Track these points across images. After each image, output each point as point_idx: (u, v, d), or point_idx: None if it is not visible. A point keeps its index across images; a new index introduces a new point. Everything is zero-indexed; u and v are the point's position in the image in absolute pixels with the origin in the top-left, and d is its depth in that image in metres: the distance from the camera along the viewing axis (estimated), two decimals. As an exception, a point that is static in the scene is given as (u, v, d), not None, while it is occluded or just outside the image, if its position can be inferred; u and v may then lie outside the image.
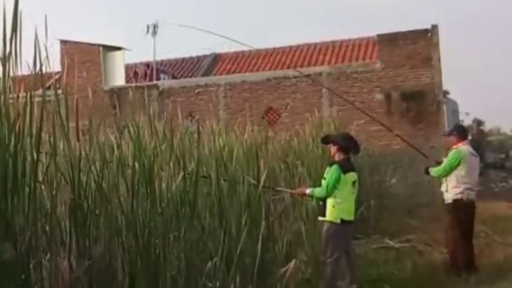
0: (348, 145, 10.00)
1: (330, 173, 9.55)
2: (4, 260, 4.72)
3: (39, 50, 5.16)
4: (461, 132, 11.53)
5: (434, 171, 11.26)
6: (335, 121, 16.03)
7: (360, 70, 23.88)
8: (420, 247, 13.13)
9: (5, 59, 4.91)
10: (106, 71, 27.59)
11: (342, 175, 9.49)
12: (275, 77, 25.33)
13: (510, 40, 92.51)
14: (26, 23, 4.98)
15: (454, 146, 11.17)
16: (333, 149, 9.90)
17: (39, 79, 5.20)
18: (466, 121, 45.48)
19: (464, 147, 11.13)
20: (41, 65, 5.18)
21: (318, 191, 9.70)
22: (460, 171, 10.90)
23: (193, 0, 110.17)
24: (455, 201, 10.86)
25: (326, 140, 10.41)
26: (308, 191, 9.97)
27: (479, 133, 50.11)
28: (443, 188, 11.06)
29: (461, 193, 10.83)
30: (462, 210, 10.86)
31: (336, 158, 9.75)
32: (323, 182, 9.68)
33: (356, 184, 9.84)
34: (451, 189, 10.90)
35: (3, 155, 4.81)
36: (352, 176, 9.72)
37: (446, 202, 11.02)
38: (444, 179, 11.05)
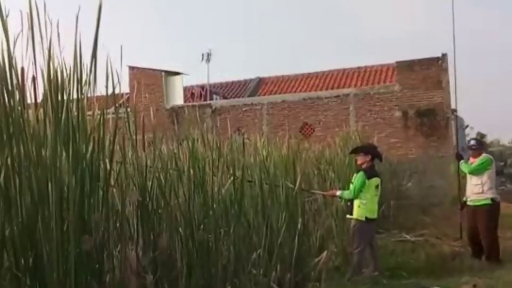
0: (378, 153, 10.18)
1: (357, 178, 9.54)
2: (85, 251, 4.71)
3: (112, 74, 5.14)
4: (482, 144, 11.65)
5: (465, 166, 11.02)
6: (360, 134, 15.93)
7: (382, 91, 23.68)
8: (432, 240, 13.03)
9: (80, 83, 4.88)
10: (167, 93, 27.60)
11: (367, 180, 9.48)
12: (310, 97, 25.17)
13: (507, 67, 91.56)
14: (101, 51, 4.96)
15: (484, 155, 11.09)
16: (364, 157, 9.83)
17: (111, 99, 5.17)
18: (471, 135, 44.89)
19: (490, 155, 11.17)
20: (113, 87, 5.16)
21: (347, 193, 9.69)
22: (491, 175, 10.82)
23: (240, 30, 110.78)
24: (494, 201, 10.72)
25: (358, 150, 10.30)
26: (338, 193, 9.98)
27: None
28: (475, 190, 10.77)
29: (496, 193, 10.87)
30: (497, 209, 10.82)
31: (365, 165, 9.70)
32: (351, 185, 9.69)
33: (379, 187, 9.82)
34: (487, 191, 10.69)
35: (82, 163, 4.79)
36: (376, 180, 9.69)
37: (485, 202, 10.71)
38: (479, 182, 10.74)
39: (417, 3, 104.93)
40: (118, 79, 5.25)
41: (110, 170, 5.15)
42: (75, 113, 4.80)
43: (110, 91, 5.18)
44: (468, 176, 10.91)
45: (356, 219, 9.53)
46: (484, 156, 10.99)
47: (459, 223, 11.70)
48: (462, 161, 11.27)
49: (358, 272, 9.39)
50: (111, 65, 5.14)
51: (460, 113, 33.76)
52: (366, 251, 9.56)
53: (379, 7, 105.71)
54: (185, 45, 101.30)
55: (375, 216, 9.73)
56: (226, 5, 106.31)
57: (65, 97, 4.72)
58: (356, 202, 9.52)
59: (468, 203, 10.93)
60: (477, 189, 10.73)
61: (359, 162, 9.92)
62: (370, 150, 10.08)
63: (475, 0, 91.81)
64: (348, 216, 9.82)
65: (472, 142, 11.38)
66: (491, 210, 10.73)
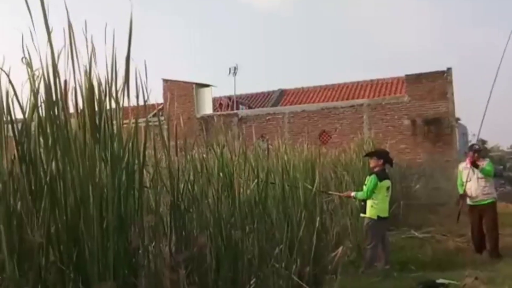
0: (389, 158, 10.10)
1: (370, 180, 9.52)
2: (123, 247, 4.66)
3: (145, 87, 5.07)
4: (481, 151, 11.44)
5: (487, 169, 10.74)
6: (373, 141, 15.89)
7: (392, 102, 23.52)
8: (438, 237, 13.06)
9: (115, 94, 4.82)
10: (198, 103, 27.57)
11: (378, 182, 9.48)
12: (327, 107, 25.05)
13: (506, 79, 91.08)
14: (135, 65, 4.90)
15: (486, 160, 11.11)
16: (376, 161, 9.79)
17: (144, 109, 5.12)
18: (473, 141, 44.67)
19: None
20: (144, 98, 5.10)
21: (360, 194, 9.69)
22: (493, 178, 11.03)
23: (262, 46, 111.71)
24: (496, 200, 10.96)
25: (372, 154, 10.25)
26: (352, 194, 9.96)
27: (483, 150, 49.22)
28: (484, 191, 10.77)
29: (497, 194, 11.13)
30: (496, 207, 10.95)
31: (377, 169, 9.68)
32: (364, 187, 9.68)
33: (390, 189, 9.80)
34: (493, 191, 10.92)
35: (119, 166, 4.73)
36: (387, 182, 9.67)
37: (491, 200, 10.84)
38: (487, 184, 10.80)
39: (424, 23, 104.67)
40: (146, 90, 5.16)
41: (142, 172, 5.08)
42: (112, 122, 4.74)
43: (143, 101, 5.12)
44: (474, 179, 10.74)
45: (369, 218, 9.54)
46: (489, 160, 11.06)
47: (458, 209, 11.31)
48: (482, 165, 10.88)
49: (371, 266, 9.39)
50: (141, 77, 5.05)
51: (463, 121, 33.62)
52: (378, 246, 9.55)
53: (390, 26, 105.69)
54: (214, 60, 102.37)
55: (386, 215, 9.72)
56: (251, 26, 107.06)
57: (102, 107, 4.67)
58: (369, 202, 9.53)
59: (473, 203, 10.80)
60: (486, 190, 10.74)
61: (372, 165, 9.92)
62: (383, 155, 10.04)
63: (475, 21, 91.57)
64: (362, 214, 9.83)
65: (476, 147, 11.19)
66: (496, 207, 10.87)
